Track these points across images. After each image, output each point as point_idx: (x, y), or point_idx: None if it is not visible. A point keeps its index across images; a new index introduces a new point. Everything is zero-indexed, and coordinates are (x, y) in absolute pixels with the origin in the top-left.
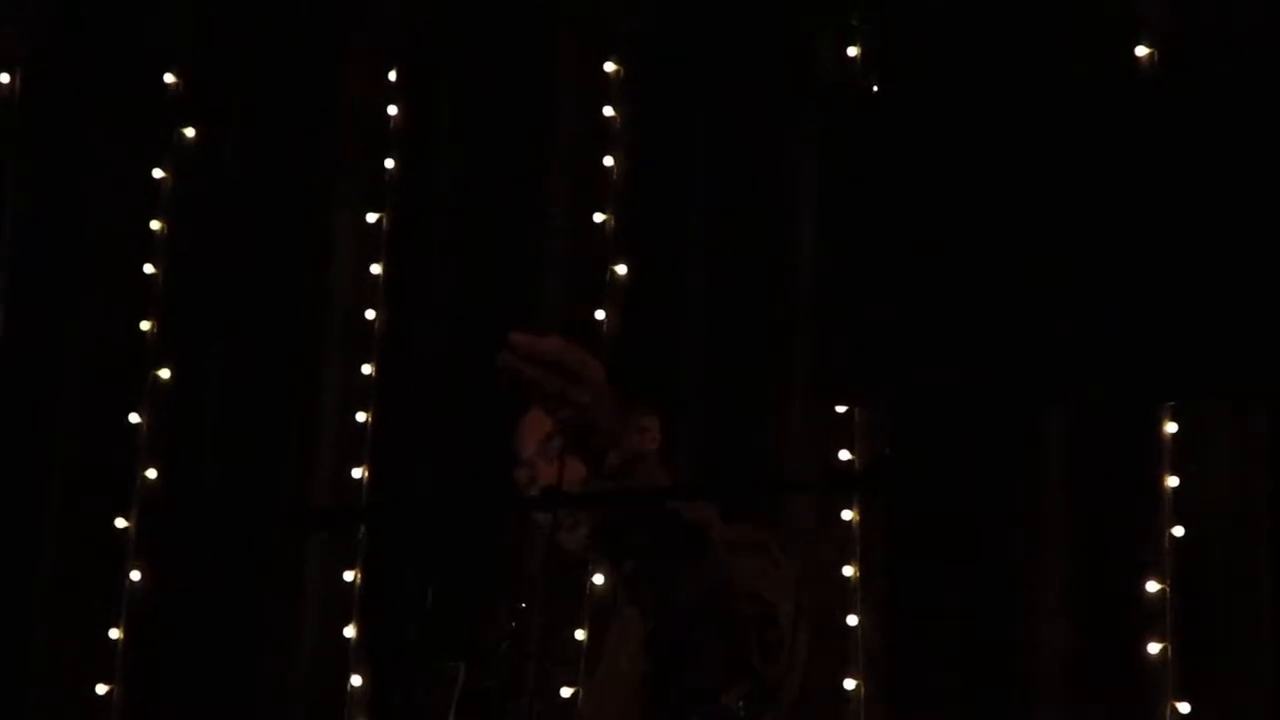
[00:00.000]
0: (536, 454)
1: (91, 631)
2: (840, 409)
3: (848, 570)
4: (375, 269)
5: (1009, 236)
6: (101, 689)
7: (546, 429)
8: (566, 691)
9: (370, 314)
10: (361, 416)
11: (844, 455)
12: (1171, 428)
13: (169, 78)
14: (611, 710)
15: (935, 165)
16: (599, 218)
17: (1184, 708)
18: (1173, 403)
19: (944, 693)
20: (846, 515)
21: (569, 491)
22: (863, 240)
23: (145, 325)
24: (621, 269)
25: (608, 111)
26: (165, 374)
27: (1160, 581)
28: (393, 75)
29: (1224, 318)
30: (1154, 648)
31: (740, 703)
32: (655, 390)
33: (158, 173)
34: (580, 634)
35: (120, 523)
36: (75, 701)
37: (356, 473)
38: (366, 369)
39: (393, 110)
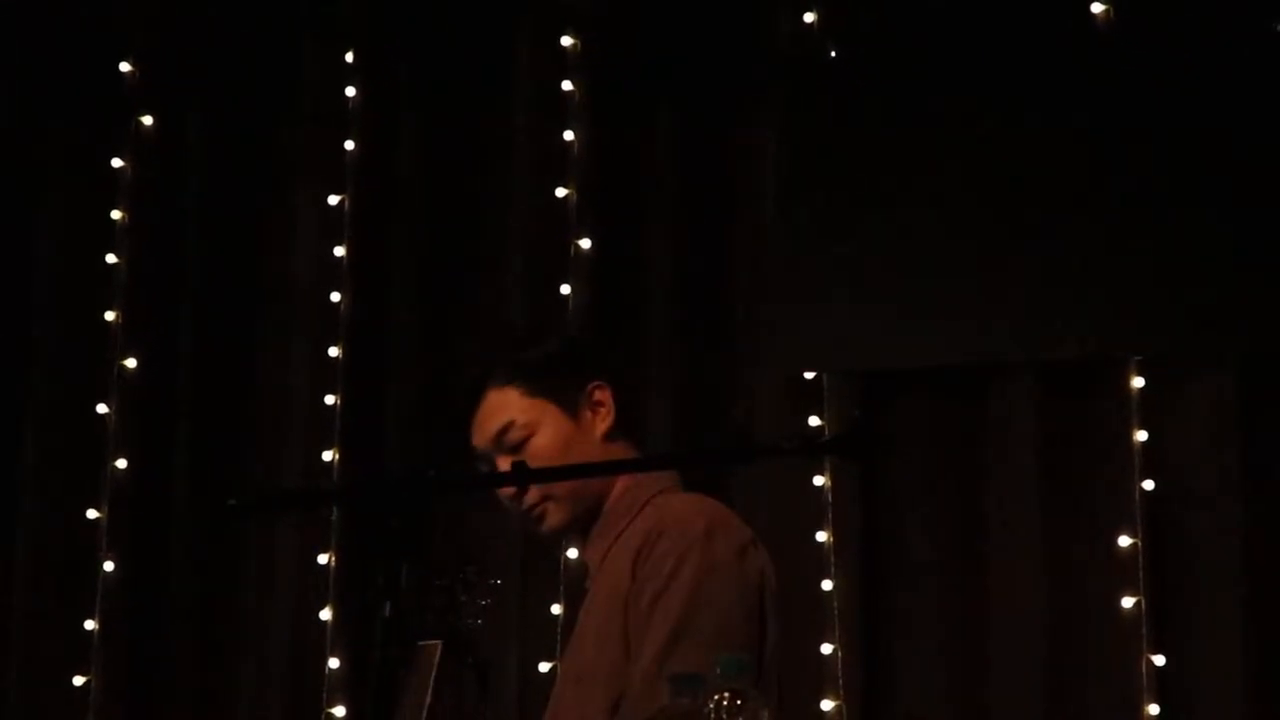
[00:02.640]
0: (492, 447)
1: (67, 623)
2: (808, 375)
3: (821, 536)
4: (339, 251)
5: (971, 195)
6: (79, 680)
7: (501, 421)
8: (544, 666)
9: (335, 296)
10: (330, 399)
11: (814, 421)
12: (1139, 382)
13: (125, 66)
14: (584, 686)
15: (895, 128)
16: (561, 192)
17: (1158, 660)
18: (1140, 357)
19: (920, 653)
20: (818, 481)
21: (535, 468)
22: (826, 206)
23: (110, 315)
24: (585, 243)
25: (566, 86)
26: (131, 363)
27: (1132, 536)
28: (350, 57)
29: (1189, 271)
30: (1127, 602)
31: None
32: (607, 361)
33: (117, 161)
34: (556, 609)
35: (92, 513)
36: (53, 693)
37: (327, 455)
38: (334, 351)
39: (351, 92)
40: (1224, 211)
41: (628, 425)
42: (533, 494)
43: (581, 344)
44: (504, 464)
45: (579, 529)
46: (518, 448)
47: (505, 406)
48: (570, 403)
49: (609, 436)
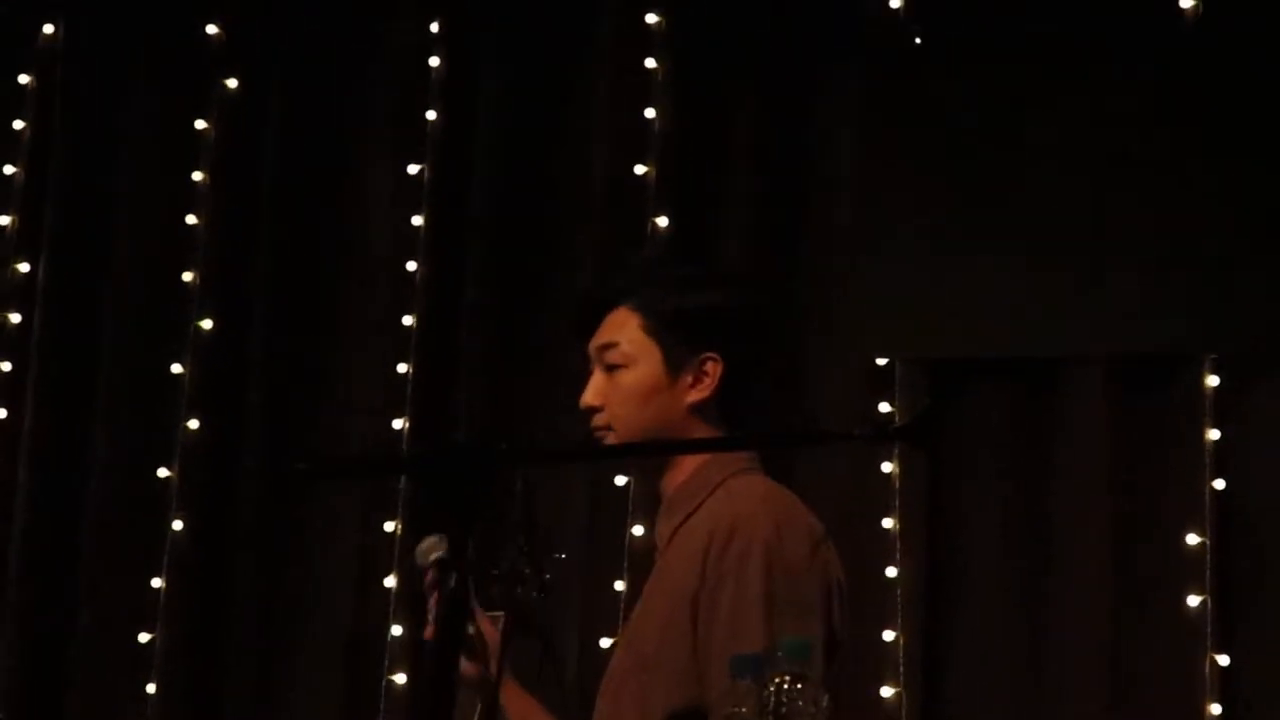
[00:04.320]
0: (595, 354)
1: (135, 580)
2: (881, 361)
3: (887, 522)
4: (416, 220)
5: (1051, 186)
6: (144, 636)
7: (610, 337)
8: (606, 642)
9: (411, 265)
10: (403, 367)
11: (885, 407)
12: (1213, 380)
13: (211, 29)
14: (649, 676)
15: (978, 117)
16: (640, 170)
17: (1223, 660)
18: (1215, 355)
19: (982, 644)
20: (886, 467)
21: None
22: (904, 192)
23: (188, 276)
24: (663, 220)
25: (650, 63)
26: (207, 324)
27: (1200, 534)
28: (435, 27)
29: (1268, 271)
30: (1193, 600)
31: None
32: (741, 341)
33: (200, 124)
34: (620, 585)
35: (163, 472)
36: (118, 649)
37: (397, 423)
38: (408, 320)
39: (434, 62)
40: None
41: (725, 408)
42: (603, 416)
43: (726, 311)
44: (598, 375)
45: (636, 471)
46: (611, 369)
47: (620, 327)
48: (676, 359)
49: (698, 409)
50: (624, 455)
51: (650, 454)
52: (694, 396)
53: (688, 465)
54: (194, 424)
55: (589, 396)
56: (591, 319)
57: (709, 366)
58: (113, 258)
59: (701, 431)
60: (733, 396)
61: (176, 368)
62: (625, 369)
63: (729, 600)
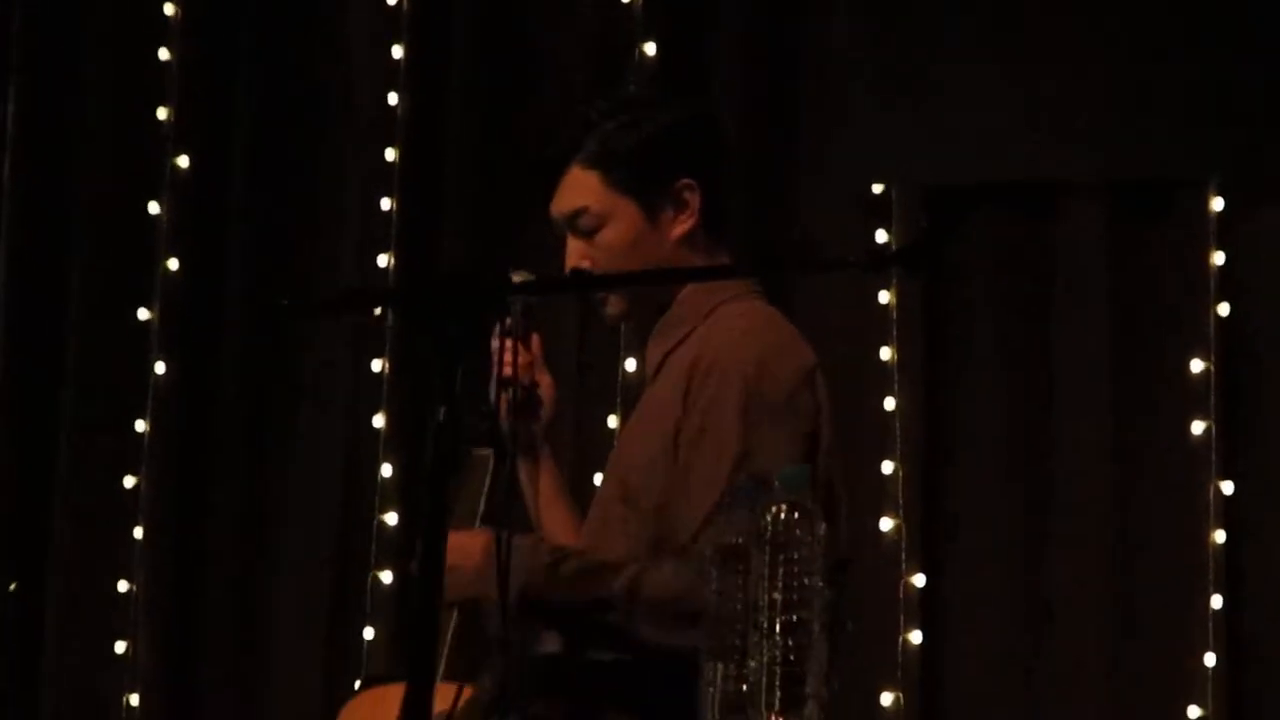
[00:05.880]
0: (565, 223)
1: (117, 424)
2: (876, 188)
3: (885, 353)
4: (397, 52)
5: (1049, 9)
6: (129, 481)
7: (576, 204)
8: (599, 478)
9: (393, 98)
10: (386, 203)
11: (881, 236)
12: (1218, 204)
13: None
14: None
15: None
16: None
17: (1227, 487)
18: (1219, 178)
19: (982, 474)
20: (883, 297)
21: (596, 272)
22: (898, 15)
23: (162, 113)
24: (650, 48)
25: None
26: (184, 162)
27: (1205, 360)
28: None
29: (1273, 91)
30: (1197, 427)
31: None
32: (706, 154)
33: None
34: (612, 421)
35: (143, 314)
36: (102, 495)
37: (382, 260)
38: (390, 154)
39: None
40: None
41: (712, 227)
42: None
43: (682, 131)
44: (574, 242)
45: (644, 323)
46: (589, 234)
47: (584, 190)
48: (650, 200)
49: (687, 239)
50: (615, 285)
51: (642, 283)
52: (679, 229)
53: (684, 290)
54: (173, 264)
55: (574, 261)
56: (547, 186)
57: (686, 195)
58: (84, 94)
59: (696, 260)
60: (716, 216)
61: (154, 207)
62: (602, 229)
63: (698, 435)
